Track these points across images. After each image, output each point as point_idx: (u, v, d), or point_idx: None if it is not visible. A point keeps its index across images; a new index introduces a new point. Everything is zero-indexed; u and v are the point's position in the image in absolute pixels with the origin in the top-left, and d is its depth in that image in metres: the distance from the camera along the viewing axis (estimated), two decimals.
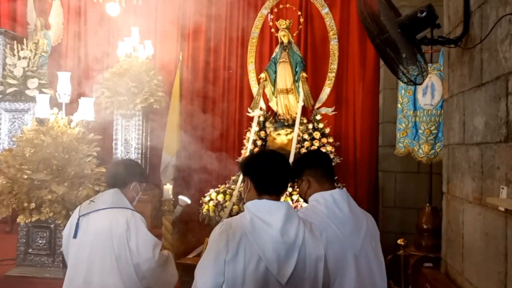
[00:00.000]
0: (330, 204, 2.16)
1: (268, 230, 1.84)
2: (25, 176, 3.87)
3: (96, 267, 2.50)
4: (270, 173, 1.96)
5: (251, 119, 5.62)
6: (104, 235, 2.51)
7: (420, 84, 3.06)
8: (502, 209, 2.36)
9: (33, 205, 3.89)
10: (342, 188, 2.27)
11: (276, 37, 5.45)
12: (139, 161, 6.40)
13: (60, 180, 3.89)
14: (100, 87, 6.49)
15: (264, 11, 5.60)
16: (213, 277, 1.80)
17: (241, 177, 4.70)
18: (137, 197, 2.77)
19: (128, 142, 6.42)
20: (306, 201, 2.32)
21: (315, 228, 2.00)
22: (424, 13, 2.83)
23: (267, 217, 1.86)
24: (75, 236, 2.56)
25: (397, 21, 2.88)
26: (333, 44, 5.33)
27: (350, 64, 6.20)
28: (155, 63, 6.73)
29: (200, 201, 4.92)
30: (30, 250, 4.11)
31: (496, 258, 2.46)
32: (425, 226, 4.51)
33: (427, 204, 4.60)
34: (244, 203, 2.01)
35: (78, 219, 2.57)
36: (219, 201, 4.72)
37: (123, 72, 6.32)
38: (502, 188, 2.37)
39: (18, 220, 4.04)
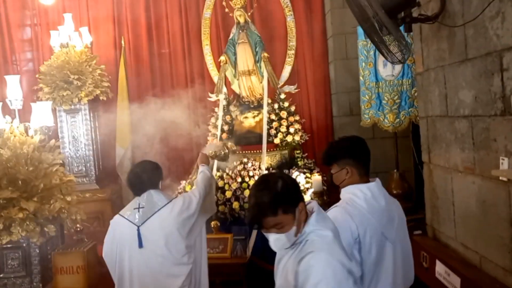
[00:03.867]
0: (369, 198, 2.17)
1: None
2: None
3: (167, 261, 2.79)
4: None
5: (211, 104, 5.47)
6: (171, 230, 2.80)
7: (404, 62, 3.13)
8: (504, 179, 2.51)
9: (0, 226, 3.54)
10: (376, 180, 2.28)
11: (231, 16, 5.28)
12: (91, 157, 6.05)
13: (28, 196, 3.56)
14: (36, 82, 5.96)
15: None
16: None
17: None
18: None
19: (76, 139, 6.01)
20: (337, 187, 2.32)
21: None
22: None
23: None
24: (141, 245, 2.77)
25: (380, 2, 2.89)
26: (290, 21, 5.28)
27: (298, 38, 6.16)
28: (95, 52, 6.27)
29: (174, 195, 4.76)
30: (2, 275, 3.76)
31: (497, 224, 2.64)
32: (394, 191, 4.72)
33: (395, 170, 4.82)
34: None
35: (138, 229, 2.78)
36: None
37: (61, 64, 5.83)
38: (503, 159, 2.52)
39: None
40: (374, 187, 2.24)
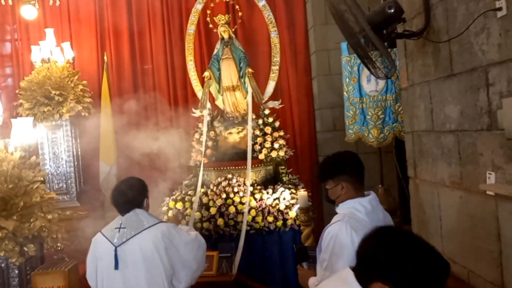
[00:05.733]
0: (370, 212, 2.19)
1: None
2: None
3: (145, 285, 2.62)
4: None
5: (195, 119, 5.43)
6: (152, 255, 2.61)
7: (390, 77, 3.14)
8: (492, 193, 2.52)
9: None
10: (372, 194, 2.29)
11: (215, 32, 5.29)
12: (72, 174, 5.93)
13: (8, 214, 3.44)
14: (16, 98, 5.85)
15: (198, 6, 5.36)
16: None
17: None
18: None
19: (57, 156, 5.89)
20: (332, 202, 2.30)
21: None
22: (392, 9, 2.90)
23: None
24: (116, 267, 2.60)
25: (366, 18, 2.91)
26: (274, 37, 5.30)
27: (282, 54, 6.20)
28: (77, 67, 6.19)
29: (157, 212, 4.67)
30: None
31: (485, 239, 2.64)
32: None
33: (380, 185, 4.82)
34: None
35: (116, 250, 2.62)
36: (179, 210, 4.52)
37: (42, 80, 5.73)
38: (490, 174, 2.53)
39: None
40: (373, 200, 2.27)
